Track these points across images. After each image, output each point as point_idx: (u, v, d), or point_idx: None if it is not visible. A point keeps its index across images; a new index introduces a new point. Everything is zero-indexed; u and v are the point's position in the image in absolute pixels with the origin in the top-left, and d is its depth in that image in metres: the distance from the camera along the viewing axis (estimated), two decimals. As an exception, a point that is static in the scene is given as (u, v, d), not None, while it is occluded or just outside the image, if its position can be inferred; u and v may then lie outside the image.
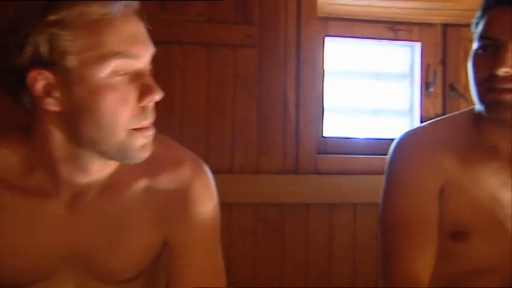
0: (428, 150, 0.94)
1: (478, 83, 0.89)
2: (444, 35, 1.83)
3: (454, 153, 0.94)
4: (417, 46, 1.82)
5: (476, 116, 0.95)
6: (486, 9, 0.90)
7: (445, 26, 1.82)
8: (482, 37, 0.88)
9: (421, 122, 1.80)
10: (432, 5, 1.69)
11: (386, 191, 0.97)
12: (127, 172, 0.76)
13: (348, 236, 1.57)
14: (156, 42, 1.46)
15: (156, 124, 1.53)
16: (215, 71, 1.53)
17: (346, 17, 1.77)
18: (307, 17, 1.58)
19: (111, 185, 0.76)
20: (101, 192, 0.76)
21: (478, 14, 0.93)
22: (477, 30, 0.91)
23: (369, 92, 1.85)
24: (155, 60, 1.49)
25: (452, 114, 1.07)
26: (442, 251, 0.94)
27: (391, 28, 1.81)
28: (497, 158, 0.93)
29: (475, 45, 0.91)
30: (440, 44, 1.83)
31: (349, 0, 1.64)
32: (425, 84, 1.81)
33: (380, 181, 1.58)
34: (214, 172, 1.49)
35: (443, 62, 1.82)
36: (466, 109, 1.03)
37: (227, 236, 1.51)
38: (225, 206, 1.49)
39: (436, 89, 1.82)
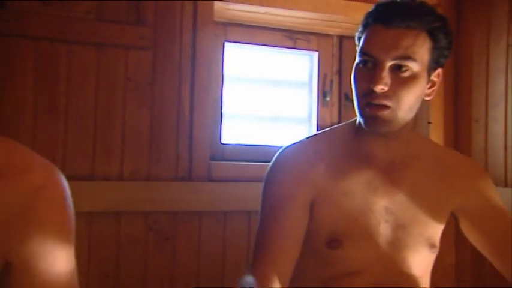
0: (299, 166, 0.95)
1: (359, 97, 0.91)
2: (340, 46, 1.88)
3: (327, 165, 0.96)
4: (315, 56, 1.86)
5: (356, 127, 0.98)
6: (366, 26, 0.93)
7: (341, 38, 1.88)
8: (362, 53, 0.91)
9: (318, 130, 1.84)
10: (328, 17, 1.74)
11: (260, 205, 0.97)
12: None
13: (242, 244, 1.55)
14: (39, 39, 1.37)
15: (39, 128, 1.44)
16: (104, 73, 1.44)
17: (246, 23, 1.77)
18: (204, 21, 1.55)
19: None
20: None
21: (359, 28, 0.96)
22: (359, 44, 0.94)
23: (269, 99, 1.86)
24: (38, 59, 1.40)
25: (335, 126, 1.09)
26: (318, 257, 0.96)
27: (290, 37, 1.83)
28: (372, 167, 0.96)
29: (357, 59, 0.93)
30: (337, 55, 1.88)
31: (248, 6, 1.63)
32: (322, 93, 1.86)
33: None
34: (102, 179, 1.43)
35: (339, 72, 1.88)
36: (349, 120, 1.05)
37: (115, 245, 1.43)
38: (114, 215, 1.43)
39: (333, 98, 1.87)
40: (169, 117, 1.51)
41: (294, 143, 1.02)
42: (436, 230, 0.99)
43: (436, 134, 1.76)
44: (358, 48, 0.94)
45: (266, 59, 1.86)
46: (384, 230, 0.95)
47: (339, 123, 1.86)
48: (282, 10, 1.66)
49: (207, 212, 1.53)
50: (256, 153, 1.75)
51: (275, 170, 0.98)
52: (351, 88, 1.89)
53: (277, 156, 1.00)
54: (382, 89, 0.86)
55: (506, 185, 1.58)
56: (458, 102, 1.81)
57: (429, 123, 1.76)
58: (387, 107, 0.87)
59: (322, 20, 1.75)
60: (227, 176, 1.58)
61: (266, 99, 1.85)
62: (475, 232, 1.01)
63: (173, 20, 1.51)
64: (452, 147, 1.80)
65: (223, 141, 1.72)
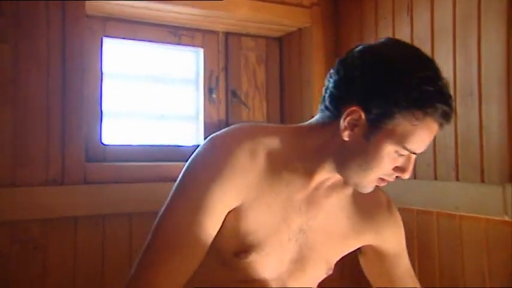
0: (234, 167, 0.78)
1: (375, 172, 0.81)
2: (226, 42, 1.82)
3: (262, 171, 0.81)
4: (200, 52, 1.78)
5: (298, 139, 0.85)
6: (420, 113, 0.76)
7: (227, 34, 1.82)
8: (407, 149, 0.78)
9: (205, 128, 1.76)
10: (212, 13, 1.66)
11: (174, 192, 0.80)
12: None
13: (124, 249, 1.43)
14: None
15: None
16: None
17: (127, 18, 1.64)
18: (74, 15, 1.40)
19: None
20: None
21: (400, 104, 0.75)
22: (397, 129, 0.76)
23: (155, 96, 1.75)
24: None
25: (288, 126, 0.92)
26: (219, 262, 0.85)
27: (174, 33, 1.73)
28: (304, 184, 0.85)
29: (390, 145, 0.78)
30: (222, 51, 1.81)
31: (125, 1, 1.50)
32: (209, 90, 1.78)
33: (157, 189, 1.49)
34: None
35: (226, 69, 1.81)
36: (298, 126, 0.90)
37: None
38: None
39: (219, 95, 1.80)
40: (37, 117, 1.34)
41: (239, 130, 0.85)
42: (338, 256, 0.96)
43: (319, 129, 1.77)
44: (394, 136, 0.77)
45: (151, 55, 1.75)
46: (292, 248, 0.87)
47: (226, 120, 1.81)
48: (162, 5, 1.56)
49: (83, 216, 1.38)
50: (141, 153, 1.63)
51: (206, 161, 0.79)
52: (237, 85, 1.84)
53: (215, 143, 0.81)
54: None
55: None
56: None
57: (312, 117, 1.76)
58: None
59: (205, 16, 1.67)
60: (106, 178, 1.44)
61: (152, 97, 1.74)
62: (376, 269, 1.00)
63: (37, 12, 1.34)
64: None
65: (105, 141, 1.58)
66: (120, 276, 1.40)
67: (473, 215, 1.32)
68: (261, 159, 0.81)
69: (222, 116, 1.80)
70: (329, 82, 0.83)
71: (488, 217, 1.28)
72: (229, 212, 0.80)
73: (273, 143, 0.83)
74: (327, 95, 0.83)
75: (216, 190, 0.77)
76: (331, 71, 0.83)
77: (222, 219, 0.80)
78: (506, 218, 1.22)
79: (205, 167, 0.79)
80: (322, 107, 0.84)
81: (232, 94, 1.82)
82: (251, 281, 0.86)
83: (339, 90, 0.81)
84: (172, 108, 1.77)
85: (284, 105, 1.91)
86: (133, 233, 1.45)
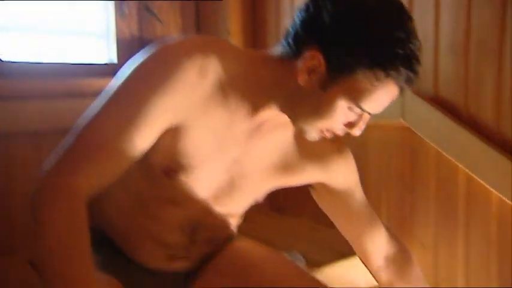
0: (184, 80, 0.72)
1: (324, 123, 0.77)
2: (135, -48, 1.70)
3: (211, 89, 0.75)
4: (108, -37, 1.66)
5: (251, 66, 0.80)
6: (380, 71, 0.71)
7: None
8: (362, 109, 0.75)
9: (117, 45, 1.68)
10: None
11: (109, 96, 0.73)
12: None
13: (32, 167, 1.37)
14: None
15: None
16: None
17: None
18: None
19: None
20: None
21: (363, 60, 0.71)
22: (356, 85, 0.72)
23: (61, 13, 1.62)
24: None
25: (250, 52, 0.89)
26: (145, 178, 0.82)
27: None
28: (250, 115, 0.80)
29: (345, 101, 0.74)
30: (132, -38, 1.70)
31: None
32: (119, 5, 1.68)
33: (66, 105, 1.43)
34: None
35: (136, -18, 1.71)
36: (247, 51, 0.87)
37: None
38: None
39: (131, 9, 1.71)
40: None
41: (191, 42, 0.78)
42: (270, 188, 0.93)
43: (235, 43, 1.74)
44: (355, 93, 0.73)
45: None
46: (223, 176, 0.85)
47: (139, 36, 1.73)
48: None
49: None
50: (49, 70, 1.53)
51: (149, 70, 0.73)
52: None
53: (162, 51, 0.75)
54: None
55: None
56: (256, 11, 1.80)
57: (228, 33, 1.73)
58: None
59: None
60: (8, 94, 1.36)
61: (58, 12, 1.61)
62: (329, 205, 0.99)
63: None
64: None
65: (5, 58, 1.46)
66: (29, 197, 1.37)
67: (375, 121, 1.40)
68: (209, 79, 0.74)
69: (135, 31, 1.72)
70: (297, 18, 0.76)
71: (387, 122, 1.37)
72: (166, 129, 0.75)
73: (224, 63, 0.76)
74: (292, 31, 0.77)
75: (156, 104, 0.71)
76: (303, 6, 0.77)
77: (157, 135, 0.75)
78: (402, 121, 1.31)
79: (147, 77, 0.72)
80: (284, 42, 0.78)
81: (145, 8, 1.73)
82: (175, 201, 0.85)
83: (304, 30, 0.75)
84: (81, 24, 1.66)
85: (199, 22, 1.85)
86: (42, 151, 1.39)
